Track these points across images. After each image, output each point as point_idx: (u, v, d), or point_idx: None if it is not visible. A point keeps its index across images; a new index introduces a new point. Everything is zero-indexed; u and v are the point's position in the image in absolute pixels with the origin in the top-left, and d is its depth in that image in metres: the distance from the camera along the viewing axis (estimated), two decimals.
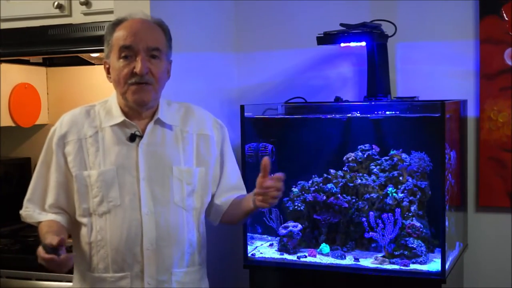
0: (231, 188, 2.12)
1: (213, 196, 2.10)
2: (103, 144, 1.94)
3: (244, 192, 2.16)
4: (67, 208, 1.97)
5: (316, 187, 2.68)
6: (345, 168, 2.72)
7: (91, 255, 1.93)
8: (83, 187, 1.93)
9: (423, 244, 2.46)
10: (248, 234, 2.68)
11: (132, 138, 1.94)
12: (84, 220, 1.94)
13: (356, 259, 2.53)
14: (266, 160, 1.90)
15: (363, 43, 2.70)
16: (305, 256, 2.59)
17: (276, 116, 2.84)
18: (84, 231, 1.94)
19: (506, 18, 2.75)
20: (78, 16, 2.81)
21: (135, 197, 1.91)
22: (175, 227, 1.95)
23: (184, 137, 2.02)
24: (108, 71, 1.96)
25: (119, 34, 1.90)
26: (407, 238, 2.46)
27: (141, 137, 1.95)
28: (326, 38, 2.66)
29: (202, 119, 2.09)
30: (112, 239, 1.90)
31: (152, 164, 1.94)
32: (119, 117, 1.95)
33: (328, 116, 2.80)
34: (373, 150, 2.72)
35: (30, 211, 1.99)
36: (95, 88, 3.23)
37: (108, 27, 1.95)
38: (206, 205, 2.07)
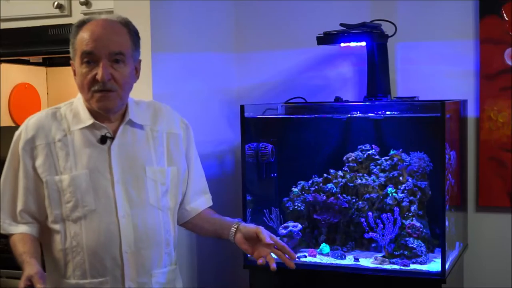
0: (198, 191, 2.09)
1: (182, 199, 2.06)
2: (73, 148, 1.87)
3: (209, 194, 2.13)
4: (37, 215, 1.90)
5: (316, 187, 2.68)
6: (345, 168, 2.72)
7: (66, 262, 1.87)
8: (55, 192, 1.85)
9: (423, 244, 2.46)
10: None
11: (103, 140, 1.88)
12: (56, 226, 1.86)
13: (356, 259, 2.53)
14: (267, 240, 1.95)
15: (363, 43, 2.70)
16: (305, 256, 2.59)
17: (276, 116, 2.84)
18: (57, 237, 1.87)
19: (506, 18, 2.75)
20: (78, 16, 2.80)
21: (110, 200, 1.86)
22: (152, 228, 1.91)
23: (154, 136, 1.97)
24: (74, 72, 1.89)
25: (81, 38, 1.83)
26: (407, 238, 2.46)
27: (112, 138, 1.89)
28: (326, 38, 2.66)
29: (171, 118, 2.04)
30: (89, 244, 1.84)
31: (125, 165, 1.90)
32: (88, 120, 1.89)
33: (328, 116, 2.80)
34: (373, 150, 2.72)
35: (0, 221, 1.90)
36: None
37: (73, 28, 1.87)
38: (178, 205, 2.04)
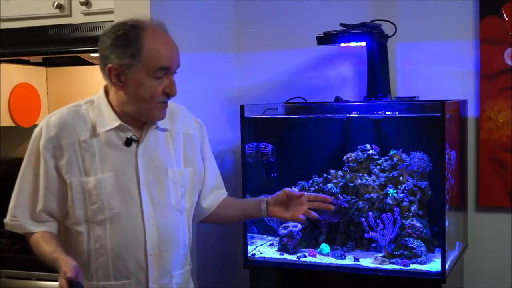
0: (213, 188, 2.10)
1: (198, 198, 2.07)
2: (98, 149, 1.86)
3: (224, 190, 2.15)
4: (57, 215, 1.89)
5: (316, 187, 2.68)
6: (345, 168, 2.72)
7: (88, 263, 1.87)
8: (79, 194, 1.84)
9: (423, 244, 2.46)
10: (248, 234, 2.68)
11: (128, 142, 1.88)
12: (78, 227, 1.86)
13: (356, 259, 2.53)
14: (301, 194, 2.07)
15: (363, 43, 2.70)
16: (305, 256, 2.59)
17: (276, 116, 2.84)
18: (79, 239, 1.87)
19: (506, 18, 2.75)
20: (78, 16, 2.81)
21: (136, 203, 1.87)
22: (173, 230, 1.92)
23: (173, 138, 1.98)
24: (118, 78, 1.83)
25: (158, 52, 1.81)
26: (407, 238, 2.46)
27: (136, 141, 1.90)
28: (326, 38, 2.66)
29: (186, 119, 2.05)
30: (113, 247, 1.84)
31: (149, 168, 1.90)
32: (115, 121, 1.88)
33: (328, 116, 2.80)
34: (373, 150, 2.72)
35: (18, 221, 1.88)
36: (95, 88, 3.20)
37: (131, 32, 1.81)
38: (194, 205, 2.05)
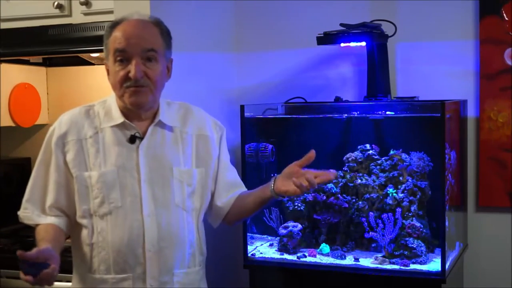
0: (230, 186, 2.10)
1: (213, 198, 2.08)
2: (103, 145, 1.93)
3: (244, 188, 2.15)
4: (66, 209, 1.95)
5: (316, 186, 2.67)
6: (345, 168, 2.72)
7: (92, 256, 1.92)
8: (84, 188, 1.91)
9: (423, 244, 2.46)
10: (248, 234, 2.68)
11: (132, 139, 1.93)
12: (84, 221, 1.92)
13: (356, 259, 2.53)
14: (312, 153, 1.96)
15: (363, 43, 2.70)
16: (305, 256, 2.59)
17: (276, 116, 2.84)
18: (84, 232, 1.93)
19: (506, 18, 2.75)
20: (78, 16, 2.81)
21: (136, 198, 1.91)
22: (176, 228, 1.94)
23: (183, 138, 2.01)
24: (108, 72, 1.95)
25: (114, 37, 1.89)
26: (407, 238, 2.46)
27: (141, 138, 1.94)
28: (326, 38, 2.66)
29: (202, 120, 2.08)
30: (113, 241, 1.89)
31: (153, 165, 1.94)
32: (119, 118, 1.94)
33: (328, 116, 2.80)
34: (373, 150, 2.72)
35: (29, 213, 1.96)
36: (95, 88, 3.23)
37: (106, 29, 1.93)
38: (205, 206, 2.06)
